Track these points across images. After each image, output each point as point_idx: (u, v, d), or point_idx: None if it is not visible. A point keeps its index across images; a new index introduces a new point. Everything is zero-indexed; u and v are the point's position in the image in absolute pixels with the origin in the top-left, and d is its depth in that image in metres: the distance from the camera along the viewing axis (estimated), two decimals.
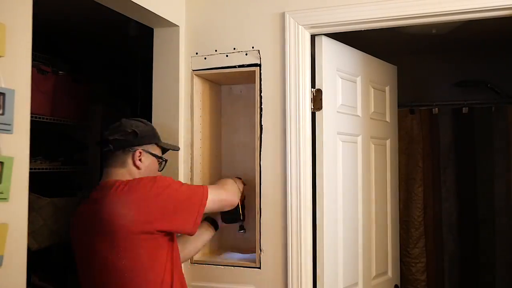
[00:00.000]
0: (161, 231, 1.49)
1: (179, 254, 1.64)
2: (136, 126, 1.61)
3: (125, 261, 1.44)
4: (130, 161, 1.58)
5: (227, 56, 1.97)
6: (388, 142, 2.40)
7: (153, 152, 1.64)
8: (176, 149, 1.82)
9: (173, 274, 1.55)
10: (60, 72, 2.57)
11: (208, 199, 1.58)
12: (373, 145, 2.24)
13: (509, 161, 2.91)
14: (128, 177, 1.56)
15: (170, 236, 1.56)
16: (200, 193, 1.58)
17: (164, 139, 1.77)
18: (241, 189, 1.89)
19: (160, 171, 1.70)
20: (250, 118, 2.11)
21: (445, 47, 3.05)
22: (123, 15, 1.87)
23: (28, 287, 1.32)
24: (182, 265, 1.73)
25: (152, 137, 1.65)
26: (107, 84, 3.09)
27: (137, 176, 1.58)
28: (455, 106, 3.09)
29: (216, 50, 1.99)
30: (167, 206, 1.49)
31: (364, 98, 2.17)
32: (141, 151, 1.60)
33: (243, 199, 1.94)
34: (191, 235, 1.60)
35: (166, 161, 1.71)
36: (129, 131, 1.58)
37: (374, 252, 2.22)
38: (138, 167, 1.59)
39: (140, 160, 1.59)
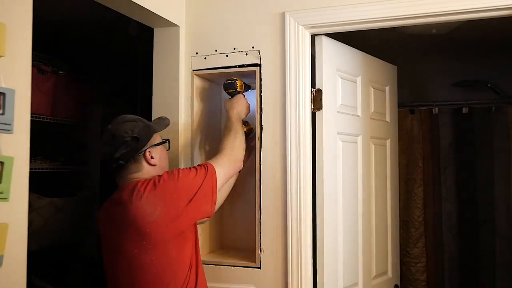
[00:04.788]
0: (187, 223, 1.55)
1: (199, 248, 1.68)
2: (130, 129, 1.58)
3: (153, 257, 1.48)
4: (144, 163, 1.60)
5: (227, 56, 1.97)
6: (388, 142, 2.40)
7: (157, 142, 1.66)
8: (167, 122, 1.76)
9: (198, 268, 1.61)
10: (60, 72, 2.58)
11: (218, 182, 1.62)
12: (373, 145, 2.24)
13: (509, 161, 2.91)
14: (147, 177, 1.58)
15: (195, 228, 1.64)
16: (209, 178, 1.60)
17: (165, 138, 1.75)
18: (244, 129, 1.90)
19: (168, 150, 1.72)
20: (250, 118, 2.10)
21: (445, 47, 3.05)
22: (123, 15, 1.87)
23: (28, 287, 1.32)
24: None
25: (149, 131, 1.64)
26: (107, 84, 3.09)
27: (154, 173, 1.60)
28: (455, 106, 3.09)
29: (216, 50, 1.99)
30: (186, 198, 1.52)
31: (364, 98, 2.17)
32: (149, 150, 1.61)
33: (248, 131, 1.96)
34: (210, 217, 1.67)
35: (168, 140, 1.73)
36: (129, 139, 1.57)
37: (374, 252, 2.22)
38: (153, 164, 1.61)
39: (151, 157, 1.61)
